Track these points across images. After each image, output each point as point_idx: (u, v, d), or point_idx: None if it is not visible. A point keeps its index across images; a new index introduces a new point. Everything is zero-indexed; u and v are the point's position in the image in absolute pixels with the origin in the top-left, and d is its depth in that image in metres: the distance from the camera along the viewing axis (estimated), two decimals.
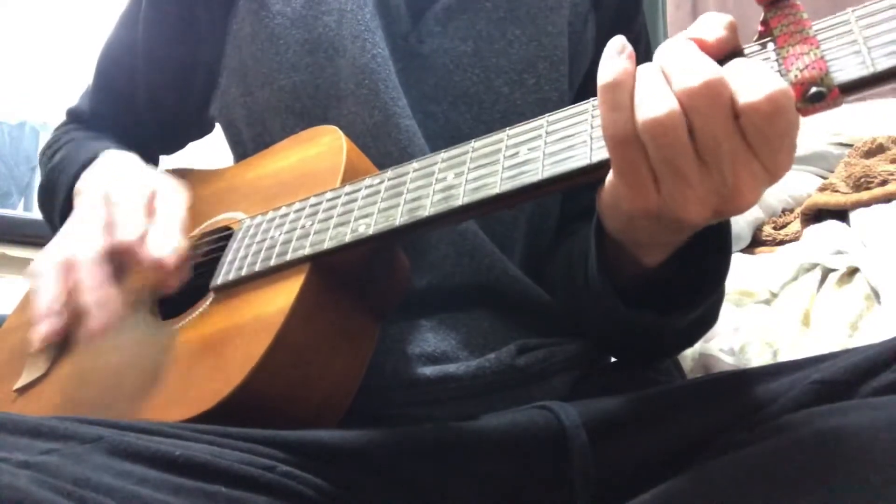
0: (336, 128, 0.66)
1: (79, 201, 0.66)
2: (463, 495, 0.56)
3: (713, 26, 0.45)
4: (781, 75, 0.42)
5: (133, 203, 0.62)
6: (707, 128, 0.42)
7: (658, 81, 0.43)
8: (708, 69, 0.42)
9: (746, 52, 0.45)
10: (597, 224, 0.57)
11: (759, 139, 0.42)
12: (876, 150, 1.22)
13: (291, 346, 0.55)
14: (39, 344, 0.59)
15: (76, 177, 0.73)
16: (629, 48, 0.45)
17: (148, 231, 0.60)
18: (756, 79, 0.41)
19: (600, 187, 0.50)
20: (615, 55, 0.45)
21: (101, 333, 0.57)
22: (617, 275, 0.58)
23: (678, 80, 0.42)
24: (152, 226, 0.61)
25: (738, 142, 0.42)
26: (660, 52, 0.45)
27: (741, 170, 0.42)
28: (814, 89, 0.41)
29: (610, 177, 0.48)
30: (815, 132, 1.37)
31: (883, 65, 0.40)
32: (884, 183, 1.11)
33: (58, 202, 0.77)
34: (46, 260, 0.61)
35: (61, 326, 0.58)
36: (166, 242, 0.59)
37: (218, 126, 0.87)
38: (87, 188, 0.66)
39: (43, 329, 0.58)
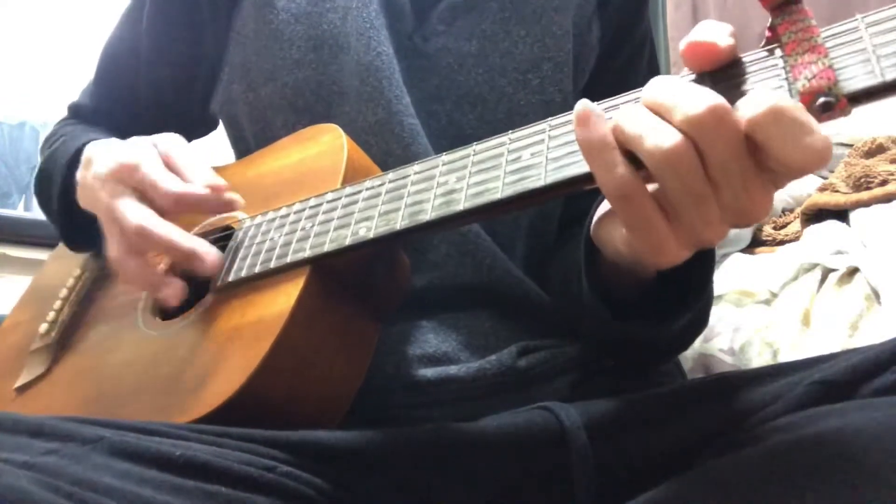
0: (337, 126, 0.66)
1: (93, 195, 0.66)
2: (463, 496, 0.56)
3: (721, 32, 0.44)
4: (789, 84, 0.42)
5: (152, 158, 0.63)
6: (716, 152, 0.41)
7: (653, 118, 0.43)
8: (708, 96, 0.41)
9: (753, 58, 0.44)
10: (587, 238, 0.57)
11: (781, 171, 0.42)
12: (876, 150, 1.22)
13: (292, 348, 0.55)
14: (174, 301, 0.61)
15: (68, 165, 0.74)
16: (594, 109, 0.44)
17: (183, 175, 0.62)
18: (761, 94, 0.40)
19: (598, 219, 0.50)
20: (585, 123, 0.44)
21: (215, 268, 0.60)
22: (610, 285, 0.58)
23: (680, 111, 0.41)
24: (181, 169, 0.62)
25: (749, 162, 0.41)
26: (647, 90, 0.44)
27: (753, 185, 0.42)
28: (822, 99, 0.40)
29: (626, 234, 0.47)
30: None
31: (893, 74, 0.39)
32: (884, 183, 1.11)
33: (54, 190, 0.78)
34: (118, 248, 0.62)
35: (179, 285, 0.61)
36: (206, 174, 0.61)
37: (219, 123, 0.87)
38: (92, 173, 0.66)
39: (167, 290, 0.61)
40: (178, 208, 0.61)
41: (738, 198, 0.42)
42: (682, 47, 0.45)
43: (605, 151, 0.43)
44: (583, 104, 0.44)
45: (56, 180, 0.77)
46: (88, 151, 0.69)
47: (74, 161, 0.72)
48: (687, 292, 0.58)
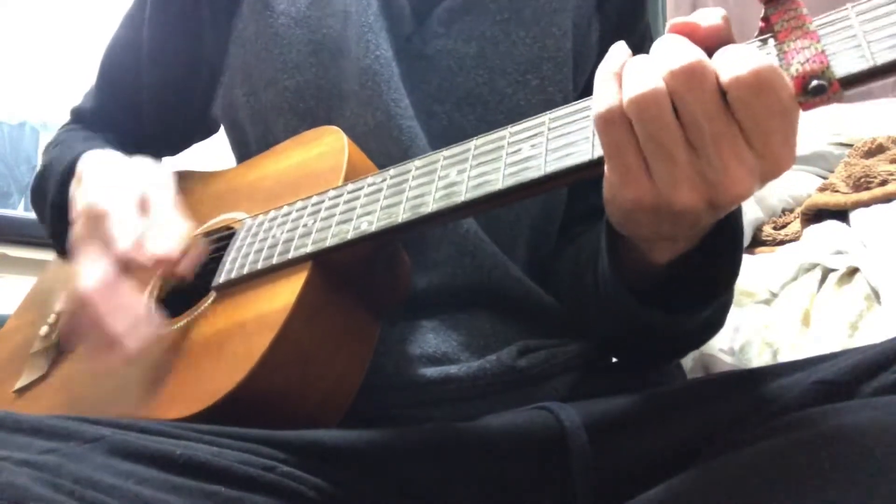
0: (338, 128, 0.67)
1: (74, 218, 0.65)
2: (463, 496, 0.56)
3: (708, 15, 0.46)
4: (783, 69, 0.43)
5: (122, 209, 0.61)
6: (689, 109, 0.43)
7: (644, 65, 0.44)
8: (689, 52, 0.43)
9: None
10: (607, 222, 0.57)
11: (747, 117, 0.42)
12: (876, 150, 1.22)
13: (293, 344, 0.55)
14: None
15: (61, 182, 0.74)
16: (629, 51, 0.47)
17: (145, 232, 0.60)
18: (742, 55, 0.42)
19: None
20: (614, 55, 0.47)
21: (136, 353, 0.57)
22: (627, 272, 0.58)
23: (661, 63, 0.43)
24: (149, 226, 0.61)
25: (722, 125, 0.43)
26: (653, 45, 0.46)
27: (727, 153, 0.43)
28: (815, 82, 0.41)
29: (605, 167, 0.48)
30: (815, 132, 1.37)
31: (883, 58, 0.40)
32: (884, 183, 1.11)
33: (48, 200, 0.78)
34: (64, 299, 0.61)
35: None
36: (166, 238, 0.59)
37: (220, 127, 0.87)
38: (78, 200, 0.66)
39: None
40: (124, 267, 0.59)
41: (711, 164, 0.43)
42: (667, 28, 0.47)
43: (608, 80, 0.46)
44: (623, 44, 0.48)
45: (50, 190, 0.77)
46: (80, 167, 0.69)
47: (69, 172, 0.72)
48: (710, 286, 0.58)
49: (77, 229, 0.63)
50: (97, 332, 0.57)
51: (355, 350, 0.60)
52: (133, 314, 0.58)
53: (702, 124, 0.43)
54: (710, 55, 0.44)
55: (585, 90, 0.78)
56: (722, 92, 0.42)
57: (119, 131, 0.86)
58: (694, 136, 0.43)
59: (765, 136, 0.42)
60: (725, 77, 0.42)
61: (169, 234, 0.60)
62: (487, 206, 0.52)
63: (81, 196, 0.65)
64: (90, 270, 0.59)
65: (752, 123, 0.42)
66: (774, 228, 1.28)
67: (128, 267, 0.59)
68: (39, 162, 0.88)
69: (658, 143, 0.44)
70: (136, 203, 0.62)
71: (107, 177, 0.66)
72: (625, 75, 0.45)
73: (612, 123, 0.45)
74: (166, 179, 0.66)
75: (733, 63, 0.42)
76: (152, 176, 0.66)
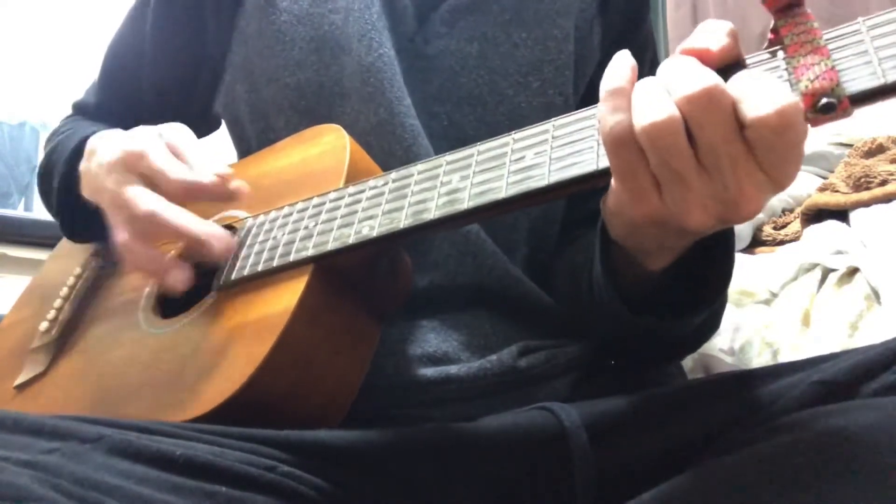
0: (339, 127, 0.66)
1: (97, 184, 0.66)
2: (463, 496, 0.56)
3: (716, 35, 0.45)
4: (791, 85, 0.42)
5: (158, 150, 0.63)
6: (705, 134, 0.42)
7: (658, 90, 0.44)
8: (706, 77, 0.42)
9: (756, 60, 0.45)
10: (602, 229, 0.57)
11: (767, 152, 0.42)
12: (876, 150, 1.22)
13: (294, 346, 0.55)
14: (181, 286, 0.60)
15: (71, 157, 0.74)
16: (633, 61, 0.47)
17: (189, 164, 0.62)
18: (766, 92, 0.41)
19: (605, 194, 0.50)
20: (619, 64, 0.46)
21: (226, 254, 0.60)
22: (622, 279, 0.58)
23: (677, 89, 0.43)
24: (187, 158, 0.62)
25: (739, 149, 0.42)
26: (661, 67, 0.45)
27: (743, 177, 0.43)
28: (824, 100, 0.40)
29: (613, 183, 0.48)
30: (816, 132, 1.37)
31: (894, 76, 0.39)
32: (884, 183, 1.11)
33: (55, 181, 0.78)
34: (126, 233, 0.62)
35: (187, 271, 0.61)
36: (212, 162, 0.61)
37: (221, 123, 0.87)
38: (97, 164, 0.66)
39: (175, 276, 0.60)
40: (186, 197, 0.61)
41: (728, 187, 0.43)
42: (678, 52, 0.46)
43: (619, 95, 0.45)
44: (626, 52, 0.47)
45: (58, 171, 0.77)
46: (92, 143, 0.69)
47: (78, 152, 0.73)
48: (703, 291, 0.58)
49: (110, 181, 0.63)
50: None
51: (356, 352, 0.60)
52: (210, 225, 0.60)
53: (719, 148, 0.42)
54: (719, 73, 0.43)
55: (586, 94, 0.78)
56: (738, 120, 0.42)
57: (120, 126, 0.86)
58: (709, 160, 0.43)
59: (780, 163, 0.42)
60: (750, 115, 0.41)
61: (213, 160, 0.62)
62: (490, 213, 0.52)
63: (103, 155, 0.65)
64: (145, 198, 0.60)
65: (771, 155, 0.42)
66: (774, 228, 1.28)
67: (177, 199, 0.61)
68: (42, 155, 0.88)
69: (671, 169, 0.44)
70: (167, 146, 0.64)
71: (124, 134, 0.67)
72: (636, 100, 0.44)
73: (623, 146, 0.45)
74: (178, 125, 0.67)
75: (756, 101, 0.41)
76: (166, 126, 0.67)
